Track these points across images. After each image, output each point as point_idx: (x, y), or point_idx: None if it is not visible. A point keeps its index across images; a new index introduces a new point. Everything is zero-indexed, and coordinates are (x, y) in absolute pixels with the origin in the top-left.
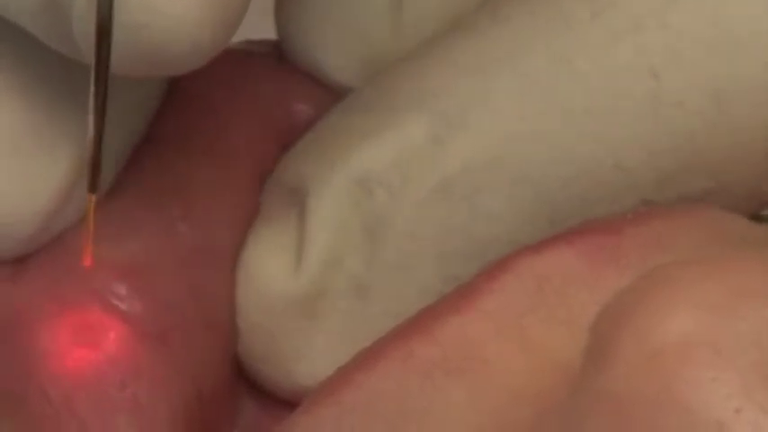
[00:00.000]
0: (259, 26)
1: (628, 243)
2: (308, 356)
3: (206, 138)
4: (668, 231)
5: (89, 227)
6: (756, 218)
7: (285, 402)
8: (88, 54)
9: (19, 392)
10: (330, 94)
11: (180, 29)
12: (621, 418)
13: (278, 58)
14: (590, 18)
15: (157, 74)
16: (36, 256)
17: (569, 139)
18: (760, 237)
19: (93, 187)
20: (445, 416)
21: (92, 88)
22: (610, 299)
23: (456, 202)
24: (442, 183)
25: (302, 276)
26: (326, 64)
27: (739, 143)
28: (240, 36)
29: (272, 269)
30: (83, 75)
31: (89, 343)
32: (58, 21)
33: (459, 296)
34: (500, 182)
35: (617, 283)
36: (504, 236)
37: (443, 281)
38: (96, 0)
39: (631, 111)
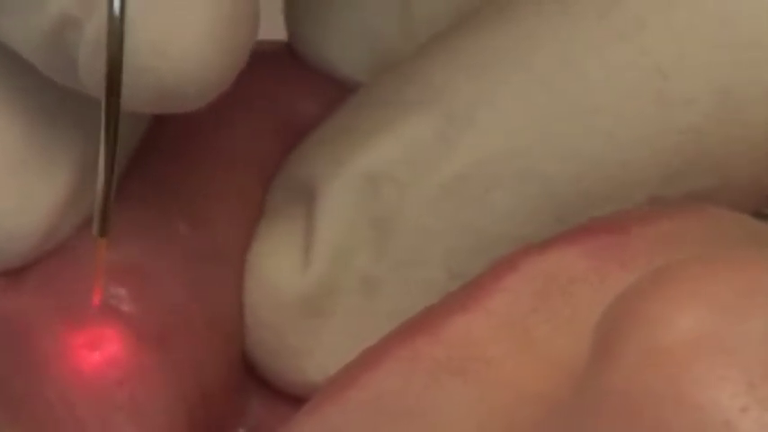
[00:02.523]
0: (268, 24)
1: (633, 242)
2: (317, 352)
3: (209, 137)
4: (674, 231)
5: (98, 269)
6: (759, 215)
7: (292, 402)
8: (93, 90)
9: (19, 396)
10: (338, 91)
11: (188, 70)
12: (627, 416)
13: (285, 55)
14: (596, 17)
15: (165, 111)
16: (34, 266)
17: (576, 136)
18: (766, 235)
19: (103, 231)
20: (450, 415)
21: (102, 133)
22: (615, 297)
23: (464, 199)
24: (449, 180)
25: (310, 273)
26: (336, 60)
27: (745, 140)
28: None
29: (280, 266)
30: (81, 92)
31: (88, 344)
32: (63, 57)
33: (464, 295)
34: (507, 179)
35: (622, 283)
36: (511, 232)
37: (450, 277)
38: (107, 45)
39: (637, 109)
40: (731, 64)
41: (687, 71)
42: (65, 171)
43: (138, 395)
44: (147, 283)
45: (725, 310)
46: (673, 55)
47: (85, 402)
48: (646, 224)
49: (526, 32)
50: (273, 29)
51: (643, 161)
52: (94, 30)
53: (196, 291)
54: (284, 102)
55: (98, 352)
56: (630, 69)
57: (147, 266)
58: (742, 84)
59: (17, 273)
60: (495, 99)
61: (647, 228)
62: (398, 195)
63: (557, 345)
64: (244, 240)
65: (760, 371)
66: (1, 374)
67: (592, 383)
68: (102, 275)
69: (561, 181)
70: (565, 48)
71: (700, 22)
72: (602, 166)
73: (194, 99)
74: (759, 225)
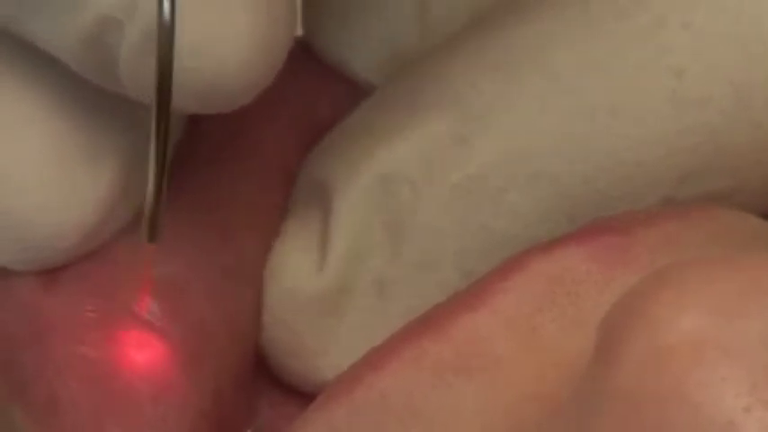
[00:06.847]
0: None
1: (638, 244)
2: (332, 352)
3: (239, 144)
4: (679, 232)
5: (146, 273)
6: None
7: (300, 402)
8: (134, 91)
9: (48, 401)
10: (355, 92)
11: (230, 71)
12: (630, 417)
13: (303, 55)
14: (614, 17)
15: (208, 111)
16: (72, 267)
17: (591, 136)
18: None
19: (152, 237)
20: (456, 414)
21: (153, 139)
22: (618, 298)
23: (479, 200)
24: (465, 180)
25: (326, 273)
26: (353, 62)
27: (761, 141)
28: None
29: (296, 265)
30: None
31: (121, 357)
32: (101, 59)
33: (470, 294)
34: (521, 179)
35: (626, 284)
36: (524, 233)
37: (462, 277)
38: (157, 49)
39: (654, 109)
40: (747, 63)
41: (702, 71)
42: (110, 169)
43: (168, 414)
44: (181, 300)
45: (728, 310)
46: (689, 55)
47: (114, 414)
48: (650, 225)
49: (544, 33)
50: None
51: (658, 161)
52: (137, 32)
53: (223, 306)
54: (303, 101)
55: (132, 366)
56: (646, 69)
57: (181, 283)
58: (757, 83)
59: (54, 273)
60: (511, 100)
61: (652, 229)
62: (412, 196)
63: (562, 344)
64: (267, 250)
65: (763, 371)
66: (28, 376)
67: (595, 383)
68: (149, 284)
69: (575, 182)
70: (583, 49)
71: (716, 22)
72: (617, 166)
73: (236, 98)
74: (764, 225)
